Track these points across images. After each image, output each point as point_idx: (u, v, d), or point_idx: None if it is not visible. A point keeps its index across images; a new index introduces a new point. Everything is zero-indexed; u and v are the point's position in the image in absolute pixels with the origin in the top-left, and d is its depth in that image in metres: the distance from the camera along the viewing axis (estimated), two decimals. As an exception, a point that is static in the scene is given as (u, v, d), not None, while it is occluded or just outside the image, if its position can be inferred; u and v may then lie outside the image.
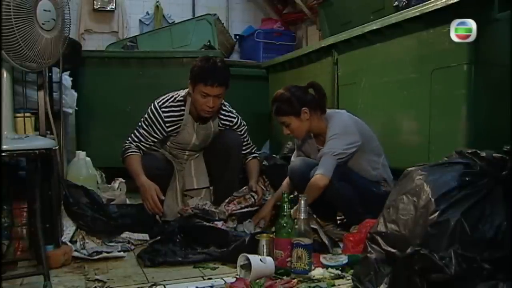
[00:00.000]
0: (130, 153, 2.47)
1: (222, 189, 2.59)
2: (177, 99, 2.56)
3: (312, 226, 1.91)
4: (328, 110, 2.39)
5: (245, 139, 2.71)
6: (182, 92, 2.58)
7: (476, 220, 1.32)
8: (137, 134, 2.52)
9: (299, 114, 2.32)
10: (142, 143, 2.51)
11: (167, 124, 2.52)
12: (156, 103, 2.54)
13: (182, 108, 2.54)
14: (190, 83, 2.47)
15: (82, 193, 2.24)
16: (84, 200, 2.22)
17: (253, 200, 2.48)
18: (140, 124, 2.55)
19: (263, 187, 2.79)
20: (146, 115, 2.53)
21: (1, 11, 1.52)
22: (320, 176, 2.16)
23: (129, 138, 2.53)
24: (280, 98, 2.36)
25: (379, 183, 2.35)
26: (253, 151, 2.77)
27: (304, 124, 2.34)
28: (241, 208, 2.43)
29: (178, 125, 2.55)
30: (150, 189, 2.33)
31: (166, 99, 2.56)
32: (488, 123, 2.15)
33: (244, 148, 2.71)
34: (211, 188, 2.69)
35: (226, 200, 2.47)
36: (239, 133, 2.68)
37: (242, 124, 2.71)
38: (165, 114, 2.51)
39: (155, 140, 2.54)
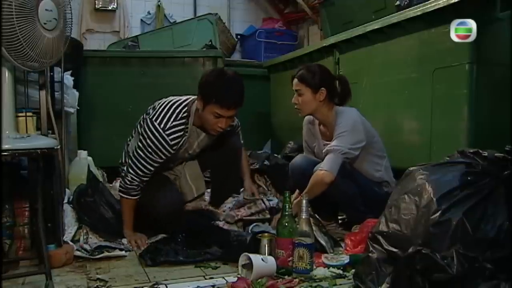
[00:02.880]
0: (124, 196, 2.25)
1: (224, 191, 2.55)
2: (180, 115, 2.24)
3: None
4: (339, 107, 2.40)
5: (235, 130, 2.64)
6: (183, 101, 2.30)
7: (478, 219, 1.31)
8: (141, 166, 2.22)
9: (316, 90, 2.32)
10: (147, 175, 2.25)
11: (173, 147, 2.24)
12: (157, 126, 2.19)
13: (186, 122, 2.26)
14: (200, 99, 2.18)
15: (100, 190, 2.28)
16: (100, 196, 2.25)
17: (263, 206, 2.43)
18: (141, 147, 2.23)
19: (263, 187, 2.79)
20: (148, 141, 2.20)
21: (1, 10, 1.52)
22: (326, 173, 2.16)
23: (134, 172, 2.23)
24: (308, 67, 2.39)
25: (381, 184, 2.35)
26: (241, 140, 2.69)
27: (314, 103, 2.34)
28: (251, 214, 2.38)
29: (183, 140, 2.28)
30: (134, 239, 2.23)
31: (167, 117, 2.22)
32: (490, 123, 2.15)
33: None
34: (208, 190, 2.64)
35: (233, 202, 2.41)
36: (237, 133, 2.62)
37: (238, 124, 2.65)
38: (170, 137, 2.20)
39: (159, 163, 2.27)
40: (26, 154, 1.69)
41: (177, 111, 2.25)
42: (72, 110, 3.00)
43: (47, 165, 1.80)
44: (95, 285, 1.72)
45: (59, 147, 1.88)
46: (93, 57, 3.71)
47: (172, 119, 2.22)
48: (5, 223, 1.89)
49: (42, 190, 1.78)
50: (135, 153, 2.26)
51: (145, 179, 2.25)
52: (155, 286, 1.69)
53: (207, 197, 2.63)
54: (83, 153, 3.00)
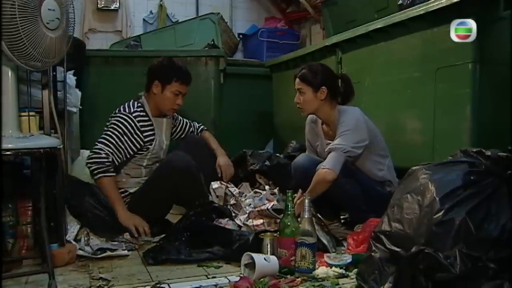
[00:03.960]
0: (103, 175, 2.29)
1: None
2: (136, 106, 2.47)
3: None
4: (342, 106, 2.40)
5: (187, 124, 2.77)
6: (129, 100, 2.51)
7: (481, 219, 1.31)
8: (109, 142, 2.35)
9: (317, 89, 2.33)
10: (116, 155, 2.36)
11: (143, 134, 2.43)
12: (123, 111, 2.43)
13: (145, 112, 2.48)
14: (158, 83, 2.45)
15: (87, 191, 2.24)
16: (88, 197, 2.21)
17: None
18: (106, 132, 2.39)
19: (264, 185, 2.77)
20: (114, 124, 2.40)
21: (1, 10, 1.52)
22: (329, 171, 2.16)
23: (98, 147, 2.34)
24: (310, 66, 2.40)
25: (384, 184, 2.35)
26: (197, 126, 2.83)
27: (316, 102, 2.35)
28: (267, 230, 2.26)
29: (152, 132, 2.47)
30: (134, 223, 2.25)
31: (128, 107, 2.46)
32: (493, 122, 2.14)
33: (193, 130, 2.79)
34: None
35: (256, 210, 2.36)
36: (180, 124, 2.74)
37: (197, 125, 2.85)
38: (137, 119, 2.43)
39: (129, 155, 2.41)
40: (29, 154, 1.69)
41: (131, 103, 2.50)
42: (74, 109, 3.00)
43: (50, 164, 1.81)
44: (98, 284, 1.72)
45: (61, 146, 1.88)
46: (96, 57, 3.71)
47: (132, 107, 2.46)
48: (8, 222, 1.90)
49: (45, 189, 1.78)
50: (102, 135, 2.39)
51: (115, 158, 2.35)
52: (158, 285, 1.70)
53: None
54: (85, 153, 2.99)
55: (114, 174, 2.35)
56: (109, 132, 2.39)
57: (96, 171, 2.30)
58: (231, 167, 2.71)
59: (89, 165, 2.30)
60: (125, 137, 2.39)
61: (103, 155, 2.32)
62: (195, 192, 2.36)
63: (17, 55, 1.63)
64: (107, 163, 2.31)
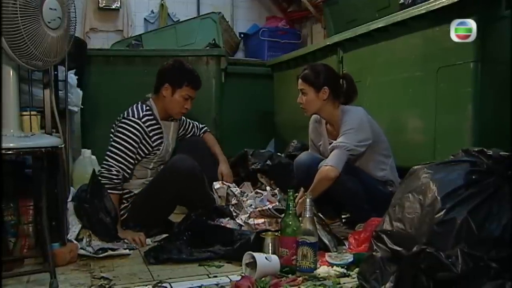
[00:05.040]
0: (110, 192, 2.25)
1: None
2: (145, 108, 2.43)
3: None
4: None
5: (190, 124, 2.76)
6: (137, 103, 2.48)
7: (482, 218, 1.31)
8: (120, 157, 2.32)
9: (319, 90, 2.33)
10: (127, 167, 2.34)
11: (152, 139, 2.41)
12: (131, 117, 2.37)
13: (154, 115, 2.45)
14: (169, 87, 2.43)
15: (100, 194, 2.21)
16: (99, 201, 2.19)
17: None
18: (118, 141, 2.34)
19: (265, 185, 2.77)
20: (125, 131, 2.34)
21: (1, 9, 1.53)
22: (331, 168, 2.16)
23: (110, 163, 2.30)
24: (312, 67, 2.40)
25: (386, 183, 2.35)
26: (201, 126, 2.82)
27: (318, 102, 2.35)
28: (268, 230, 2.26)
29: (160, 135, 2.45)
30: (132, 236, 2.24)
31: (136, 111, 2.41)
32: (495, 122, 2.14)
33: (195, 131, 2.78)
34: None
35: (257, 210, 2.35)
36: (183, 125, 2.72)
37: (199, 126, 2.82)
38: (146, 124, 2.39)
39: (137, 161, 2.40)
40: (31, 153, 1.69)
41: (139, 106, 2.45)
42: (76, 109, 3.01)
43: (51, 163, 1.81)
44: (99, 284, 1.72)
45: (63, 145, 1.88)
46: (97, 56, 3.71)
47: (140, 111, 2.41)
48: (9, 221, 1.90)
49: (46, 188, 1.78)
50: (112, 148, 2.33)
51: (128, 170, 2.34)
52: (159, 284, 1.70)
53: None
54: (86, 152, 3.01)
55: (120, 192, 2.34)
56: (118, 145, 2.33)
57: (107, 187, 2.27)
58: (231, 177, 2.72)
59: (99, 178, 2.28)
60: (135, 145, 2.35)
61: (114, 172, 2.29)
62: (199, 195, 2.37)
63: (19, 55, 1.64)
64: (115, 181, 2.29)
